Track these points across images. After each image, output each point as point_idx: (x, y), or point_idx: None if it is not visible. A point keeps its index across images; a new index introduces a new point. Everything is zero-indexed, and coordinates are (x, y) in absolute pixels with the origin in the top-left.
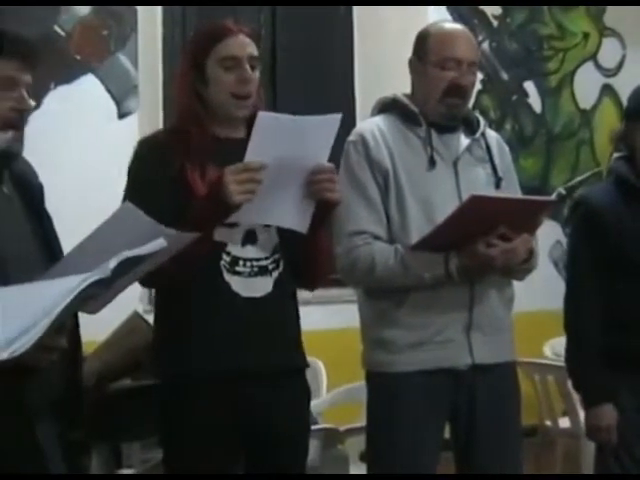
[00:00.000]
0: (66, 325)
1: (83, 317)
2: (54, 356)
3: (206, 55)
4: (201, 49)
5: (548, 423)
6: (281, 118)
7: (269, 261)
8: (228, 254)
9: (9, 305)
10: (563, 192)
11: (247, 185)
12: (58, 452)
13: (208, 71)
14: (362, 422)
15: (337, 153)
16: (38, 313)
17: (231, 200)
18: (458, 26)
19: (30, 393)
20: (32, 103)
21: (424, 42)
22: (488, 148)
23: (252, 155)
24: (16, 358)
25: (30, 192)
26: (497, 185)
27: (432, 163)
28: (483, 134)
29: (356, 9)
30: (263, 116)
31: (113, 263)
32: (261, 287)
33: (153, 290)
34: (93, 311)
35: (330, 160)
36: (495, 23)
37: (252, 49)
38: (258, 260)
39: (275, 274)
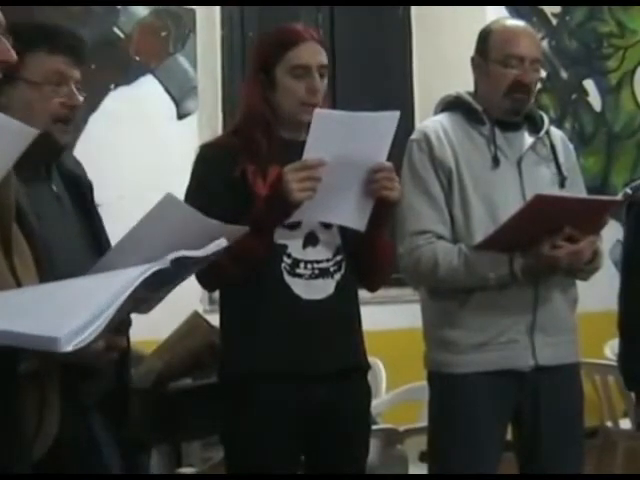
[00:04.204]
0: (126, 325)
1: (143, 317)
2: (114, 356)
3: (276, 61)
4: (271, 55)
5: (609, 424)
6: (338, 115)
7: (331, 263)
8: (289, 256)
9: (71, 297)
10: (629, 191)
11: (307, 183)
12: (116, 451)
13: (277, 77)
14: (421, 422)
15: (397, 152)
16: (101, 305)
17: (292, 198)
18: (520, 23)
19: (86, 392)
20: (81, 98)
21: (486, 40)
22: (552, 147)
23: (310, 153)
24: (79, 356)
25: (80, 191)
26: (562, 184)
27: (496, 162)
28: (547, 132)
29: (414, 9)
30: (320, 113)
31: (172, 256)
32: (322, 289)
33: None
34: (145, 311)
35: (390, 159)
36: (554, 21)
37: (322, 57)
38: (319, 262)
39: (337, 276)
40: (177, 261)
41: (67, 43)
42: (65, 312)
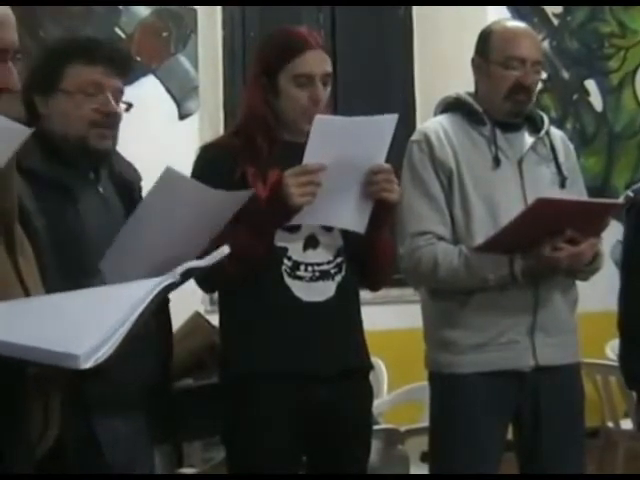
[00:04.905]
0: None
1: None
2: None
3: (280, 68)
4: (275, 60)
5: (610, 424)
6: (337, 120)
7: (331, 265)
8: (289, 259)
9: (85, 312)
10: (631, 194)
11: (307, 188)
12: (119, 449)
13: (280, 83)
14: (423, 422)
15: (398, 154)
16: (117, 322)
17: (292, 203)
18: (521, 24)
19: (89, 391)
20: (117, 107)
21: (487, 41)
22: (553, 147)
23: (310, 157)
24: None
25: (129, 193)
26: (562, 184)
27: (497, 162)
28: (547, 133)
29: (416, 9)
30: (320, 119)
31: (180, 270)
32: (323, 291)
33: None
34: None
35: (390, 161)
36: (556, 22)
37: (327, 66)
38: (320, 265)
39: (338, 278)
40: (186, 273)
41: (105, 54)
42: (81, 328)
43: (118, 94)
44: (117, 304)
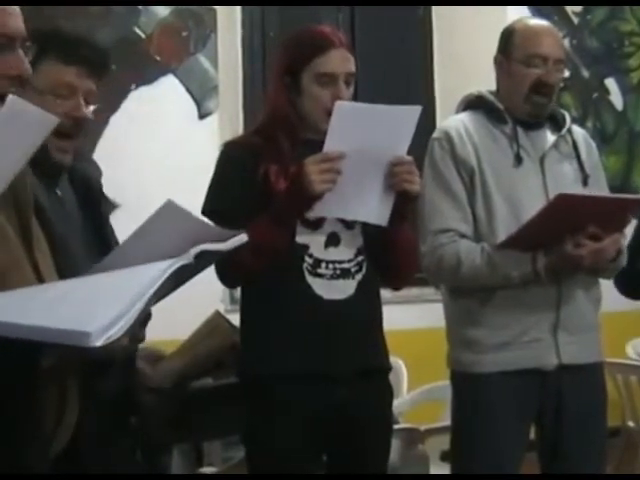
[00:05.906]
0: (149, 317)
1: (165, 316)
2: (135, 347)
3: (303, 65)
4: (298, 59)
5: (631, 424)
6: (359, 106)
7: (352, 264)
8: (310, 256)
9: (97, 292)
10: None
11: (327, 175)
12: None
13: (303, 82)
14: (443, 422)
15: (418, 152)
16: (130, 300)
17: (312, 189)
18: (543, 22)
19: (103, 387)
20: (87, 112)
21: (509, 39)
22: (575, 144)
23: (331, 144)
24: (103, 349)
25: (90, 194)
26: (584, 182)
27: (519, 160)
28: (569, 130)
29: (435, 9)
30: (341, 105)
31: (195, 251)
32: (343, 290)
33: (235, 290)
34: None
35: (410, 156)
36: (576, 20)
37: (350, 65)
38: (341, 263)
39: (358, 276)
40: (200, 256)
41: (83, 54)
42: (93, 307)
43: (90, 97)
44: (129, 285)
